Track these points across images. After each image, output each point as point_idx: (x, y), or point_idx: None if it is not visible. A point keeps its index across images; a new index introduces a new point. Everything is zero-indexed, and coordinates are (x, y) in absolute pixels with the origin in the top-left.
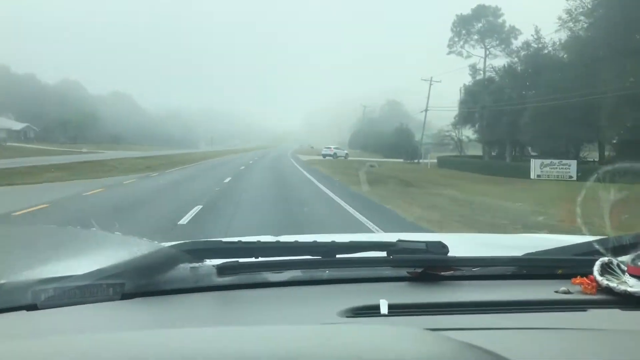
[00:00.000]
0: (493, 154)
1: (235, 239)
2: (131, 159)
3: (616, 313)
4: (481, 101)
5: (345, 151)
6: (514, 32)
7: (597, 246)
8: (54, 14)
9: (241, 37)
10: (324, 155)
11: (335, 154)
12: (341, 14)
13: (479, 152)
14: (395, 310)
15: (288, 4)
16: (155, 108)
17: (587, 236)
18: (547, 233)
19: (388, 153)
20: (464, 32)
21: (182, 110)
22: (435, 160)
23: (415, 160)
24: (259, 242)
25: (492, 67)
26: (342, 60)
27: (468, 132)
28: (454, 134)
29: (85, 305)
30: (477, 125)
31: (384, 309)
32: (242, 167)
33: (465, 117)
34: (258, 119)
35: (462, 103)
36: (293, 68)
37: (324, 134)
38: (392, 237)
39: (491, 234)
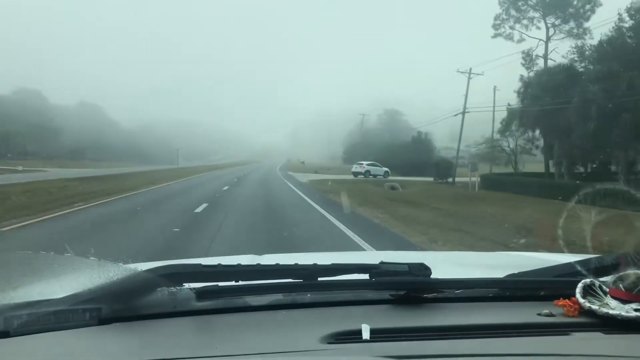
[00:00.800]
0: (562, 170)
1: (215, 262)
2: (62, 180)
3: (598, 337)
4: (547, 97)
5: (385, 169)
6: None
7: (578, 267)
8: (14, 15)
9: (222, 47)
10: (355, 174)
11: (367, 171)
12: (327, 21)
13: (534, 168)
14: (378, 335)
15: (271, 10)
16: (128, 121)
17: (569, 255)
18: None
19: (403, 169)
20: (519, 4)
21: (158, 124)
22: (478, 179)
23: (449, 180)
24: (239, 265)
25: (575, 49)
26: (330, 69)
27: (520, 141)
28: (505, 143)
29: (61, 331)
30: (538, 132)
31: (365, 334)
32: (216, 195)
33: (525, 119)
34: (240, 133)
35: (522, 100)
36: (276, 80)
37: (310, 147)
38: (375, 256)
39: (473, 252)
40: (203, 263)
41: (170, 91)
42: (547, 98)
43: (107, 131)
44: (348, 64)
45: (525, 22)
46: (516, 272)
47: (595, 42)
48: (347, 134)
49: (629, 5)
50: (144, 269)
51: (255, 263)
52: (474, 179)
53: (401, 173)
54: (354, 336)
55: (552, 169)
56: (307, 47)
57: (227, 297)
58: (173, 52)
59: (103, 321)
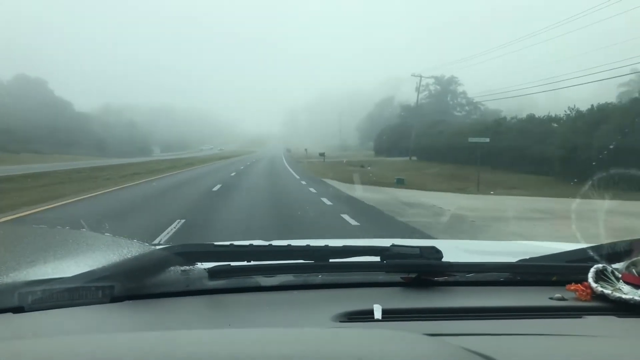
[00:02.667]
0: None
1: (227, 243)
2: None
3: (611, 320)
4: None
5: None
6: None
7: (591, 253)
8: None
9: (209, 22)
10: None
11: None
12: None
13: None
14: (389, 315)
15: None
16: (88, 103)
17: (581, 243)
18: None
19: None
20: None
21: (129, 108)
22: None
23: None
24: (251, 245)
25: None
26: (330, 47)
27: None
28: None
29: (74, 308)
30: None
31: (377, 314)
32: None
33: None
34: (232, 121)
35: None
36: (270, 62)
37: (310, 134)
38: (386, 242)
39: (485, 241)
40: (215, 243)
41: (147, 72)
42: None
43: (52, 113)
44: (351, 40)
45: None
46: (527, 258)
47: None
48: (369, 117)
49: None
50: (157, 248)
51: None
52: None
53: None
54: (366, 316)
55: None
56: (303, 25)
57: (239, 277)
58: (150, 26)
59: (116, 299)
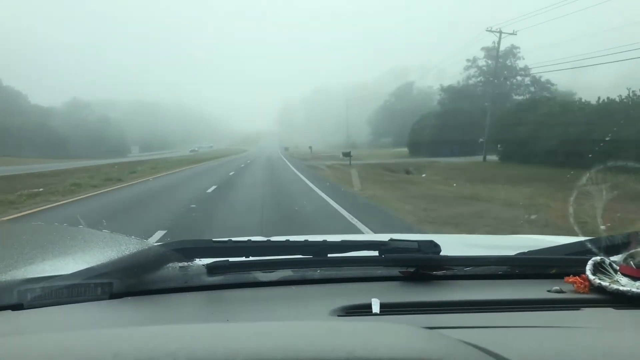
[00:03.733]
0: None
1: (226, 239)
2: None
3: (609, 312)
4: None
5: None
6: None
7: (589, 245)
8: None
9: (197, 13)
10: None
11: None
12: None
13: None
14: (387, 309)
15: None
16: (48, 98)
17: (579, 237)
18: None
19: None
20: None
21: (102, 104)
22: None
23: None
24: (249, 241)
25: None
26: (326, 38)
27: None
28: None
29: (73, 304)
30: None
31: (375, 308)
32: None
33: None
34: (222, 117)
35: None
36: (261, 55)
37: (308, 131)
38: (384, 237)
39: (483, 235)
40: (214, 240)
41: (129, 67)
42: None
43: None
44: (348, 29)
45: None
46: (526, 251)
47: None
48: (383, 109)
49: None
50: (155, 244)
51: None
52: None
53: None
54: (364, 309)
55: None
56: (295, 15)
57: (237, 273)
58: (134, 18)
59: (114, 295)
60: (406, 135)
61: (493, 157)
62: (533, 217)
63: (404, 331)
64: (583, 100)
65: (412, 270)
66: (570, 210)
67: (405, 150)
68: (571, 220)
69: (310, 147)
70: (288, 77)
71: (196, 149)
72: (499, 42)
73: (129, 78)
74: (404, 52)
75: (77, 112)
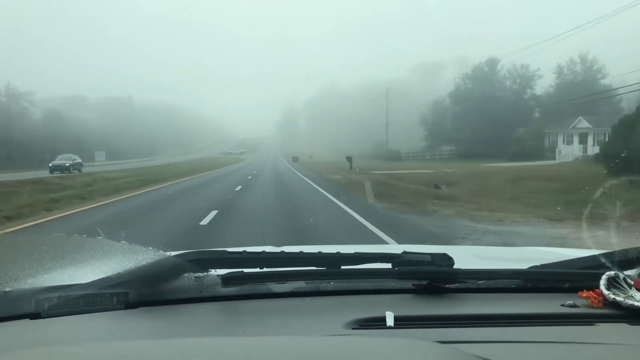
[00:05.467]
0: None
1: (240, 249)
2: None
3: (624, 327)
4: None
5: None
6: None
7: (603, 259)
8: None
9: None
10: None
11: None
12: None
13: None
14: (401, 322)
15: None
16: None
17: (593, 250)
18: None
19: None
20: None
21: (51, 99)
22: None
23: None
24: (264, 252)
25: None
26: (335, 35)
27: None
28: None
29: (89, 314)
30: None
31: (390, 321)
32: None
33: None
34: (217, 121)
35: None
36: (260, 54)
37: (313, 137)
38: (397, 248)
39: (496, 246)
40: (228, 250)
41: (92, 56)
42: None
43: None
44: (358, 23)
45: None
46: (539, 265)
47: None
48: (439, 108)
49: None
50: (171, 255)
51: (279, 251)
52: None
53: None
54: (378, 322)
55: None
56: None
57: (252, 284)
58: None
59: (130, 305)
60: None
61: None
62: None
63: (419, 346)
64: None
65: (425, 283)
66: None
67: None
68: None
69: (349, 161)
70: (290, 78)
71: (232, 150)
72: None
73: (113, 76)
74: (432, 44)
75: (9, 104)
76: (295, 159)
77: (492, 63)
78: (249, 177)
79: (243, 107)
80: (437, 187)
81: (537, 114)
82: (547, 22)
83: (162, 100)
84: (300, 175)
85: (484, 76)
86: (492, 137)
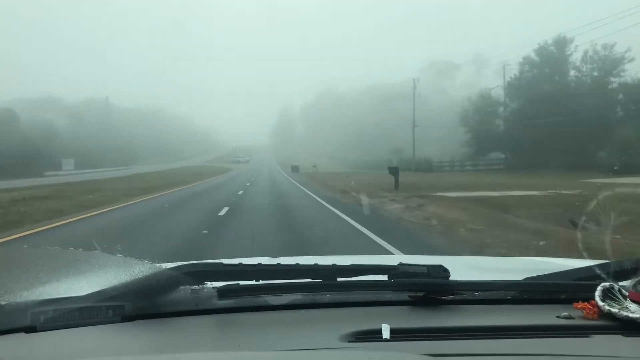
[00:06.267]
0: None
1: (236, 261)
2: None
3: (619, 339)
4: None
5: None
6: None
7: (597, 271)
8: None
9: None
10: None
11: None
12: None
13: None
14: (397, 334)
15: None
16: None
17: (588, 260)
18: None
19: None
20: None
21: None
22: None
23: None
24: (260, 264)
25: None
26: (334, 33)
27: None
28: None
29: (85, 327)
30: None
31: (385, 334)
32: None
33: None
34: (207, 127)
35: None
36: (252, 58)
37: (309, 144)
38: (393, 259)
39: (491, 257)
40: (224, 262)
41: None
42: None
43: None
44: (362, 22)
45: None
46: (534, 275)
47: None
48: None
49: None
50: (167, 267)
51: (275, 263)
52: None
53: None
54: (374, 335)
55: None
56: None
57: (248, 296)
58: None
59: (126, 318)
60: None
61: None
62: None
63: None
64: None
65: (421, 294)
66: None
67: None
68: None
69: (394, 174)
70: (285, 83)
71: (239, 158)
72: None
73: (92, 78)
74: (446, 42)
75: None
76: (294, 169)
77: (562, 43)
78: (233, 199)
79: (235, 115)
80: (573, 223)
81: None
82: None
83: (145, 105)
84: (322, 202)
85: (551, 60)
86: (566, 142)
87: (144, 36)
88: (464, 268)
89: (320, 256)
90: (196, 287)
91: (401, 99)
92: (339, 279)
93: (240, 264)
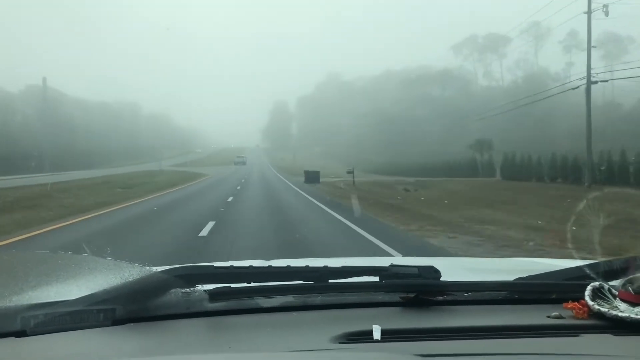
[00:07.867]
0: None
1: (227, 264)
2: None
3: (608, 338)
4: None
5: None
6: None
7: (587, 271)
8: None
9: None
10: None
11: None
12: None
13: None
14: (389, 335)
15: None
16: None
17: (578, 260)
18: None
19: None
20: None
21: None
22: None
23: None
24: (251, 267)
25: None
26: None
27: None
28: None
29: (76, 331)
30: None
31: (377, 335)
32: None
33: None
34: (194, 125)
35: None
36: (242, 49)
37: (305, 144)
38: (384, 261)
39: (482, 258)
40: (215, 265)
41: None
42: None
43: None
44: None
45: None
46: (525, 276)
47: None
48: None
49: None
50: (158, 270)
51: (266, 265)
52: None
53: None
54: (365, 336)
55: None
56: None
57: (239, 299)
58: None
59: (117, 321)
60: None
61: None
62: None
63: None
64: None
65: (412, 295)
66: None
67: None
68: None
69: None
70: (279, 79)
71: (238, 159)
72: None
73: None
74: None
75: None
76: (311, 177)
77: None
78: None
79: (223, 114)
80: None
81: None
82: None
83: (117, 100)
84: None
85: None
86: None
87: (117, 23)
88: (455, 269)
89: (312, 258)
90: (187, 290)
91: (438, 82)
92: (330, 281)
93: (231, 267)
